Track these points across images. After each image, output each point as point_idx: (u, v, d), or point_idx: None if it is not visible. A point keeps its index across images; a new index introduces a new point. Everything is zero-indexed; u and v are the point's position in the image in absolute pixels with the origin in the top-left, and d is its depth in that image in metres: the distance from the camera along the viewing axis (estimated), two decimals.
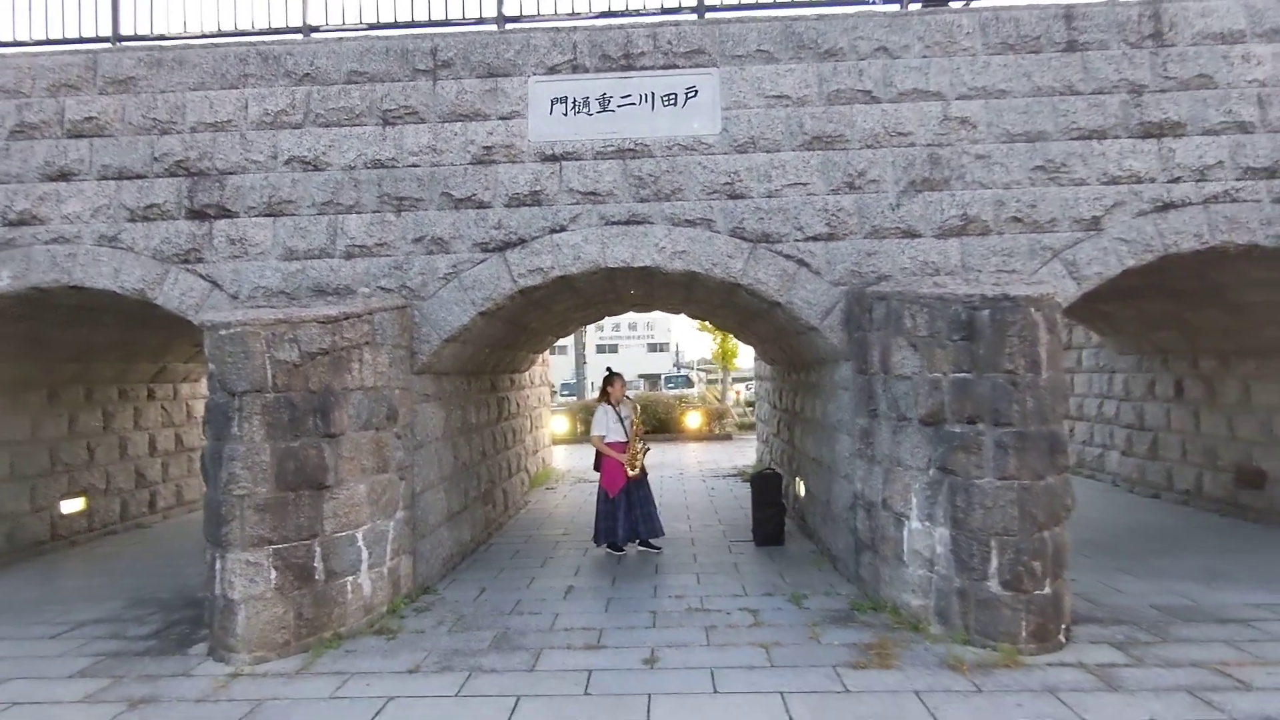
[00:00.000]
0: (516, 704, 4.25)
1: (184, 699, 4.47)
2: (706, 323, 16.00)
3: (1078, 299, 6.25)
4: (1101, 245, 6.14)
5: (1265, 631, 4.98)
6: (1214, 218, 6.10)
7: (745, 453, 16.03)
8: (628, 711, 4.10)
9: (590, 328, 41.37)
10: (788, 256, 6.34)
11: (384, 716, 4.16)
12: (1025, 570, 4.67)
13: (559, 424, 19.31)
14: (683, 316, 11.05)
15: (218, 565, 5.06)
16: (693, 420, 20.86)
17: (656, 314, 12.45)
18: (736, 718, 4.01)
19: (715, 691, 4.32)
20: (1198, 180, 6.14)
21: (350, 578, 5.50)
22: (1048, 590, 4.73)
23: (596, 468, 7.92)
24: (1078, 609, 5.43)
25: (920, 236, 6.28)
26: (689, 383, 40.75)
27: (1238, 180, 6.13)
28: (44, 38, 7.06)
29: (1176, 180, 6.15)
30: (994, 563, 4.74)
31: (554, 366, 23.39)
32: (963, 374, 4.92)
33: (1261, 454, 8.06)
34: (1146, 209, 6.15)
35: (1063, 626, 4.81)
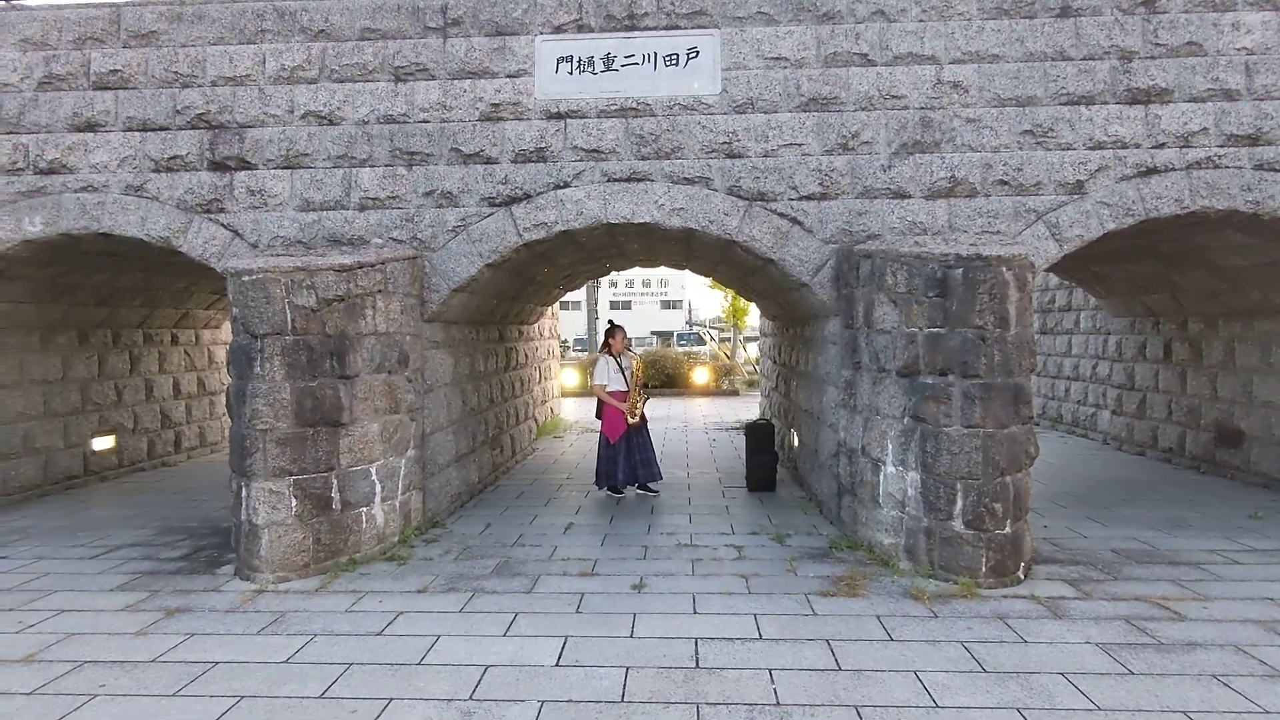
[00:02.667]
0: (514, 619, 4.69)
1: (215, 609, 4.96)
2: (713, 279, 16.27)
3: (1061, 259, 6.51)
4: (1084, 208, 6.35)
5: (1212, 573, 5.33)
6: (1195, 183, 6.29)
7: (750, 408, 16.40)
8: (614, 626, 4.54)
9: (603, 283, 41.45)
10: (781, 215, 6.59)
11: (395, 627, 4.62)
12: (987, 511, 5.03)
13: (569, 377, 19.69)
14: (694, 274, 11.32)
15: (243, 493, 5.51)
16: (700, 376, 21.22)
17: (670, 271, 12.68)
18: (711, 632, 4.43)
19: (695, 612, 4.75)
20: (1181, 146, 6.31)
21: (364, 508, 5.95)
22: (1008, 530, 5.09)
23: (598, 415, 8.30)
24: (1041, 550, 5.81)
25: (910, 197, 6.51)
26: (700, 340, 41.09)
27: (1221, 147, 6.29)
28: None
29: (1160, 146, 6.33)
30: (959, 504, 5.10)
31: (566, 322, 23.72)
32: (936, 329, 5.22)
33: (1241, 413, 8.32)
34: (1129, 174, 6.34)
35: (1021, 564, 5.18)
